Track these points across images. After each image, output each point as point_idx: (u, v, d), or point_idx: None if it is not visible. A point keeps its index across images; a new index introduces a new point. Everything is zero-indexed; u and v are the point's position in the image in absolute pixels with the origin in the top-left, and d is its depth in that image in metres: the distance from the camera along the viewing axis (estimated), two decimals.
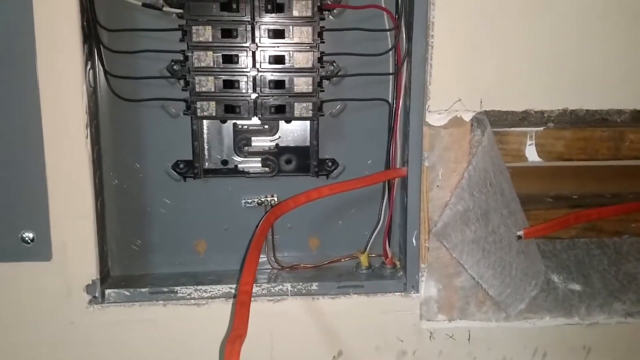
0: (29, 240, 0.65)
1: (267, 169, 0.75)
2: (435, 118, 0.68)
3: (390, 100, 0.76)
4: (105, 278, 0.71)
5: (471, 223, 0.66)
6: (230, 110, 0.69)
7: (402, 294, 0.74)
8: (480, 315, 0.75)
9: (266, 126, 0.74)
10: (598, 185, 0.81)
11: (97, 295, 0.68)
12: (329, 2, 0.70)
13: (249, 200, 0.77)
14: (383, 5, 0.72)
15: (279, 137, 0.75)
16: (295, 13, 0.68)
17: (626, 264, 0.81)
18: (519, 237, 0.68)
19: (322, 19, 0.69)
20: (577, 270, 0.78)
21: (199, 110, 0.68)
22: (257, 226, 0.73)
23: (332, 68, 0.73)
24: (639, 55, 0.70)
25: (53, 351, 0.69)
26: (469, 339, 0.75)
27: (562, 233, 0.78)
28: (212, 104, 0.68)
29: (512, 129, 0.71)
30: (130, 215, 0.75)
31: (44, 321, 0.68)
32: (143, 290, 0.70)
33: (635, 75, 0.71)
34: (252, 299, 0.69)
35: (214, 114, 0.69)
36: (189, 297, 0.70)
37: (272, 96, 0.70)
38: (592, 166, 0.77)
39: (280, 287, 0.72)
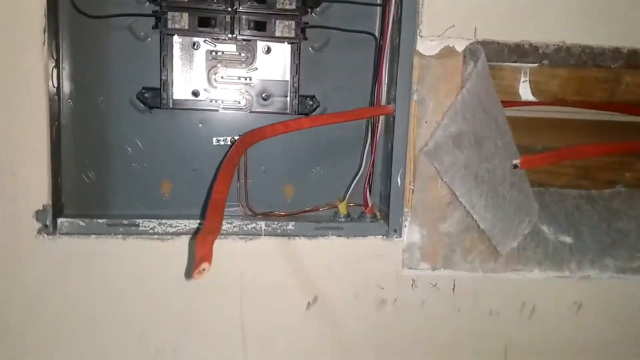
0: None
1: (242, 103, 0.69)
2: (427, 46, 0.64)
3: (376, 35, 0.71)
4: (58, 209, 0.63)
5: (464, 147, 0.62)
6: (204, 23, 0.63)
7: (384, 238, 0.68)
8: (466, 264, 0.70)
9: (242, 53, 0.68)
10: (588, 138, 0.77)
11: (47, 224, 0.61)
12: None
13: (220, 138, 0.71)
14: None
15: (256, 68, 0.69)
16: None
17: (617, 221, 0.77)
18: (515, 166, 0.64)
19: None
20: (568, 223, 0.74)
21: (169, 22, 0.62)
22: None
23: None
24: None
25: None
26: (453, 289, 0.70)
27: (555, 179, 0.74)
28: (185, 15, 0.62)
29: (507, 63, 0.67)
30: (89, 147, 0.68)
31: None
32: (100, 221, 0.62)
33: (635, 12, 0.67)
34: (222, 236, 0.63)
35: (186, 27, 0.63)
36: (151, 231, 0.63)
37: (253, 11, 0.64)
38: (581, 121, 0.73)
39: (254, 225, 0.66)
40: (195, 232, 0.65)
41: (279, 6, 0.64)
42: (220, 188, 0.50)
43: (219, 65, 0.68)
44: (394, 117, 0.67)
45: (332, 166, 0.75)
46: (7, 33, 0.58)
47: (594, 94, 0.70)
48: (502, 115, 0.64)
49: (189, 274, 0.62)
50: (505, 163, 0.63)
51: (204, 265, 0.41)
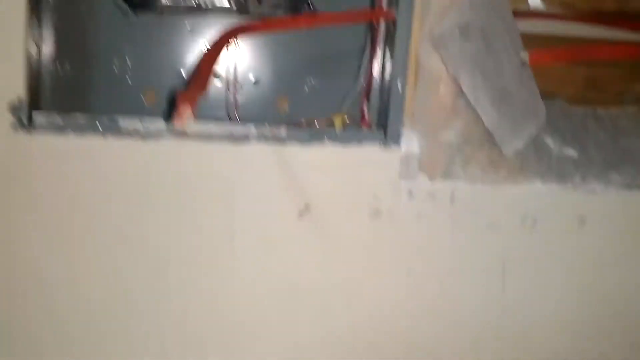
0: None
1: (234, 5, 0.66)
2: None
3: None
4: (35, 103, 0.60)
5: (472, 38, 0.58)
6: None
7: (381, 146, 0.65)
8: (465, 175, 0.67)
9: None
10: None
11: (23, 119, 0.57)
12: None
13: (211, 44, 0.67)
14: None
15: None
16: None
17: (623, 139, 0.74)
18: (524, 62, 0.60)
19: None
20: (573, 137, 0.71)
21: None
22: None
23: None
24: None
25: None
26: (451, 201, 0.67)
27: (565, 89, 0.70)
28: None
29: None
30: (70, 48, 0.65)
31: None
32: (80, 119, 0.59)
33: None
34: (211, 140, 0.60)
35: None
36: (134, 131, 0.60)
37: None
38: (590, 38, 0.69)
39: (244, 130, 0.63)
40: (179, 135, 0.61)
41: None
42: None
43: None
44: (394, 21, 0.63)
45: (328, 78, 0.72)
46: None
47: (604, 2, 0.65)
48: (509, 12, 0.60)
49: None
50: (514, 59, 0.60)
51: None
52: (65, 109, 0.64)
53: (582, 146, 0.71)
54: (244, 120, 0.69)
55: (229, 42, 0.57)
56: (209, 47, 0.51)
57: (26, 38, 0.56)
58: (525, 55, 0.60)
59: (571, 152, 0.70)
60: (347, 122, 0.71)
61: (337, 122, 0.71)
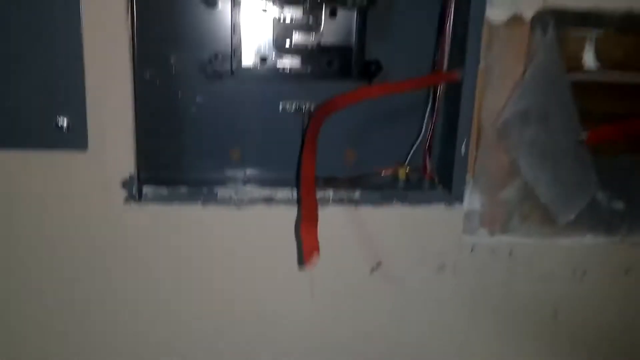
0: (64, 127, 0.61)
1: (307, 68, 0.71)
2: (495, 13, 0.64)
3: None
4: (142, 175, 0.67)
5: (531, 123, 0.63)
6: None
7: (446, 205, 0.71)
8: (522, 230, 0.73)
9: (311, 18, 0.69)
10: None
11: (134, 192, 0.64)
12: None
13: (287, 106, 0.73)
14: None
15: (322, 34, 0.71)
16: None
17: None
18: (581, 141, 0.66)
19: None
20: (621, 189, 0.76)
21: None
22: (305, 128, 0.69)
23: None
24: None
25: (88, 247, 0.66)
26: (510, 255, 0.73)
27: (608, 149, 0.75)
28: None
29: (572, 31, 0.67)
30: (160, 113, 0.71)
31: (79, 216, 0.64)
32: (182, 190, 0.66)
33: None
34: (292, 205, 0.66)
35: None
36: (229, 199, 0.67)
37: None
38: None
39: (322, 194, 0.69)
40: (269, 200, 0.68)
41: None
42: (308, 168, 0.53)
43: (285, 31, 0.70)
44: (459, 84, 0.69)
45: (392, 130, 0.77)
46: (95, 17, 0.59)
47: None
48: (568, 88, 0.65)
49: (300, 261, 0.66)
50: (571, 137, 0.65)
51: (314, 257, 0.44)
52: (165, 174, 0.71)
53: (630, 198, 0.77)
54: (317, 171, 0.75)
55: (318, 132, 0.63)
56: (305, 148, 0.57)
57: (135, 128, 0.63)
58: (583, 135, 0.65)
59: (619, 205, 0.76)
60: (410, 173, 0.77)
61: (401, 173, 0.77)
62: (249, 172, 0.75)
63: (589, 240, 0.75)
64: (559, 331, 0.76)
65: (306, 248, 0.46)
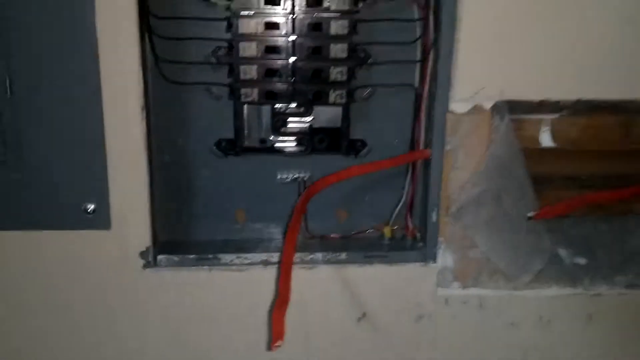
0: (91, 211, 0.73)
1: (301, 147, 0.82)
2: (458, 106, 0.74)
3: (416, 86, 0.82)
4: (157, 245, 0.78)
5: (485, 205, 0.73)
6: (270, 96, 0.76)
7: (422, 264, 0.81)
8: (491, 284, 0.83)
9: (302, 108, 0.80)
10: (607, 167, 0.87)
11: (150, 260, 0.76)
12: None
13: (284, 177, 0.85)
14: None
15: (313, 118, 0.82)
16: (333, 6, 0.73)
17: (630, 240, 0.87)
18: (530, 218, 0.75)
19: (357, 12, 0.75)
20: (583, 245, 0.85)
21: (243, 96, 0.75)
22: (294, 202, 0.80)
23: (363, 55, 0.79)
24: None
25: (111, 310, 0.78)
26: (480, 305, 0.83)
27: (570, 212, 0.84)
28: (255, 90, 0.75)
29: (529, 116, 0.77)
30: (176, 188, 0.83)
31: (104, 283, 0.76)
32: (190, 256, 0.78)
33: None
34: None
35: (256, 100, 0.75)
36: (231, 263, 0.79)
37: (310, 83, 0.76)
38: (602, 150, 0.82)
39: (313, 256, 0.80)
40: (265, 263, 0.79)
41: (331, 79, 0.75)
42: (288, 252, 0.64)
43: (281, 118, 0.81)
44: (429, 162, 0.79)
45: (379, 194, 0.88)
46: (115, 108, 0.71)
47: (609, 139, 0.79)
48: (522, 169, 0.75)
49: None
50: (522, 214, 0.75)
51: (279, 342, 0.55)
52: (175, 235, 0.83)
53: (591, 252, 0.86)
54: (311, 228, 0.86)
55: (302, 214, 0.74)
56: (288, 231, 0.68)
57: (150, 207, 0.75)
58: (531, 214, 0.75)
59: (581, 260, 0.85)
60: (395, 231, 0.88)
61: (387, 231, 0.87)
62: (251, 233, 0.86)
63: (553, 291, 0.84)
64: None
65: (274, 334, 0.56)
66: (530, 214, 0.75)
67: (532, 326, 0.84)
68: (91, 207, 0.73)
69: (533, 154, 0.79)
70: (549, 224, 0.85)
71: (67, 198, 0.72)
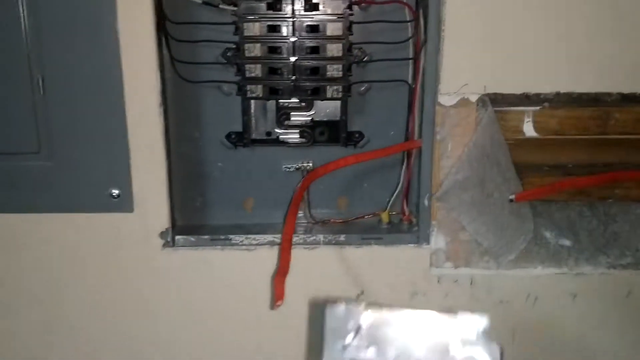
0: (116, 196, 0.82)
1: (303, 139, 0.90)
2: (445, 99, 0.81)
3: (409, 82, 0.89)
4: (174, 227, 0.87)
5: (468, 189, 0.80)
6: (274, 92, 0.84)
7: (416, 245, 0.89)
8: (481, 263, 0.89)
9: (303, 104, 0.88)
10: (591, 155, 0.93)
11: (169, 240, 0.85)
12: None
13: (289, 166, 0.93)
14: (404, 0, 0.85)
15: (314, 112, 0.89)
16: (329, 10, 0.81)
17: (613, 224, 0.93)
18: (511, 200, 0.82)
19: (351, 14, 0.82)
20: (568, 228, 0.91)
21: (249, 92, 0.83)
22: (295, 188, 0.88)
23: (360, 54, 0.86)
24: (626, 44, 0.81)
25: (133, 286, 0.86)
26: (471, 284, 0.90)
27: (555, 197, 0.91)
28: (260, 87, 0.83)
29: (512, 108, 0.83)
30: (191, 176, 0.91)
31: (127, 261, 0.85)
32: (205, 237, 0.86)
33: (621, 61, 0.82)
34: (293, 247, 0.85)
35: (260, 95, 0.84)
36: (241, 243, 0.87)
37: (309, 80, 0.84)
38: (585, 139, 0.88)
39: (314, 237, 0.88)
40: (272, 243, 0.87)
41: (328, 75, 0.83)
42: (288, 230, 0.72)
43: (285, 112, 0.89)
44: (420, 149, 0.86)
45: (377, 182, 0.95)
46: (136, 104, 0.80)
47: (588, 128, 0.85)
48: (504, 156, 0.82)
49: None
50: (504, 197, 0.82)
51: (280, 302, 0.63)
52: (190, 220, 0.92)
53: (576, 234, 0.92)
54: (314, 214, 0.94)
55: (302, 196, 0.82)
56: (289, 210, 0.76)
57: (168, 192, 0.83)
58: (512, 196, 0.82)
59: (566, 242, 0.91)
60: (392, 216, 0.95)
61: (384, 217, 0.95)
62: (259, 218, 0.94)
63: (539, 271, 0.90)
64: (517, 350, 0.92)
65: (276, 295, 0.65)
66: (511, 197, 0.82)
67: (520, 304, 0.91)
68: (116, 192, 0.81)
69: (518, 143, 0.86)
70: (535, 209, 0.92)
71: (94, 184, 0.81)
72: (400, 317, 0.56)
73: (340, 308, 0.55)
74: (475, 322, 0.39)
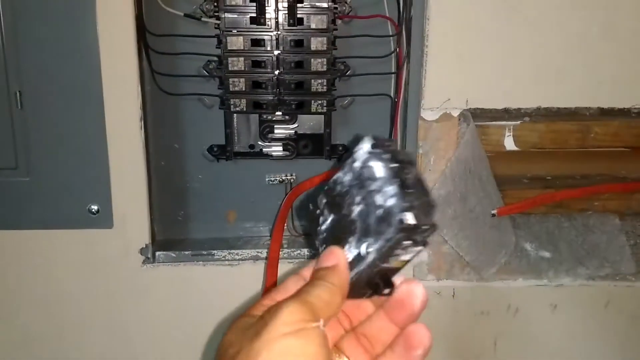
0: (95, 212, 0.80)
1: (287, 152, 0.90)
2: (428, 114, 0.82)
3: (392, 95, 0.89)
4: (155, 242, 0.86)
5: (451, 204, 0.81)
6: (257, 106, 0.83)
7: None
8: (463, 276, 0.90)
9: (287, 117, 0.88)
10: (569, 167, 0.95)
11: (149, 256, 0.83)
12: (342, 15, 0.83)
13: (272, 179, 0.92)
14: (387, 15, 0.85)
15: (297, 125, 0.89)
16: (313, 25, 0.81)
17: (591, 235, 0.95)
18: (493, 214, 0.83)
19: (335, 29, 0.82)
20: (548, 240, 0.93)
21: (232, 106, 0.82)
22: (281, 203, 0.88)
23: (343, 68, 0.86)
24: (605, 60, 0.82)
25: (113, 303, 0.85)
26: (453, 296, 0.90)
27: (535, 209, 0.92)
28: (243, 100, 0.82)
29: (493, 122, 0.84)
30: (173, 190, 0.90)
31: (107, 277, 0.84)
32: (186, 252, 0.85)
33: (600, 76, 0.83)
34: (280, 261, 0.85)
35: (244, 109, 0.83)
36: (223, 259, 0.86)
37: (293, 94, 0.83)
38: (564, 152, 0.90)
39: (299, 252, 0.87)
40: (255, 258, 0.86)
41: (313, 89, 0.83)
42: (275, 247, 0.72)
43: (268, 125, 0.88)
44: None
45: None
46: (116, 117, 0.79)
47: (567, 142, 0.87)
48: (486, 171, 0.82)
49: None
50: (486, 211, 0.82)
51: None
52: (171, 234, 0.90)
53: (555, 246, 0.93)
54: (297, 227, 0.94)
55: (287, 212, 0.82)
56: (275, 228, 0.75)
57: (149, 208, 0.82)
58: (494, 211, 0.82)
59: (545, 254, 0.93)
60: None
61: None
62: (242, 231, 0.93)
63: (520, 282, 0.91)
64: (499, 358, 0.93)
65: None
66: (493, 211, 0.82)
67: (501, 315, 0.92)
68: (95, 207, 0.80)
69: (499, 157, 0.87)
70: (515, 221, 0.93)
71: (73, 199, 0.80)
72: None
73: None
74: None
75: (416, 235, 0.37)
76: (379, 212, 0.37)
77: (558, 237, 0.93)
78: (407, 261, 0.39)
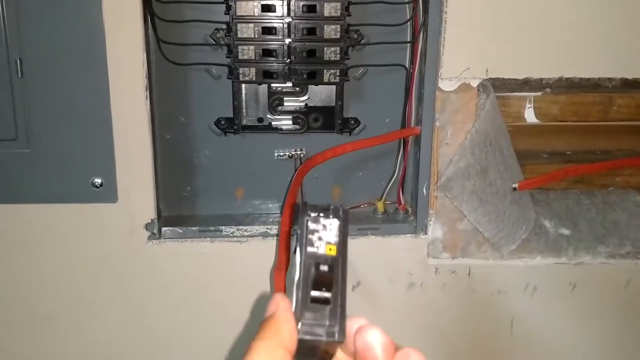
0: (98, 185, 0.77)
1: (297, 126, 0.86)
2: (446, 84, 0.78)
3: (407, 66, 0.85)
4: (160, 218, 0.83)
5: (471, 177, 0.77)
6: (267, 75, 0.80)
7: (413, 235, 0.86)
8: (479, 254, 0.87)
9: (297, 88, 0.84)
10: (589, 142, 0.92)
11: (155, 232, 0.80)
12: None
13: (281, 154, 0.88)
14: None
15: (308, 97, 0.86)
16: None
17: (612, 213, 0.92)
18: (514, 189, 0.79)
19: None
20: (567, 217, 0.90)
21: (241, 76, 0.79)
22: (291, 178, 0.84)
23: (356, 36, 0.82)
24: (628, 29, 0.79)
25: (118, 280, 0.82)
26: (469, 274, 0.88)
27: (555, 185, 0.89)
28: (253, 69, 0.79)
29: (514, 93, 0.81)
30: (178, 164, 0.87)
31: (111, 254, 0.81)
32: (194, 228, 0.82)
33: (623, 46, 0.80)
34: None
35: (253, 79, 0.79)
36: (232, 235, 0.83)
37: (305, 63, 0.80)
38: (585, 125, 0.87)
39: None
40: (264, 235, 0.83)
41: (325, 58, 0.79)
42: (285, 221, 0.69)
43: (278, 97, 0.85)
44: (419, 139, 0.83)
45: (372, 170, 0.92)
46: (121, 87, 0.75)
47: (590, 114, 0.83)
48: (507, 143, 0.79)
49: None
50: (507, 186, 0.79)
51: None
52: (177, 210, 0.87)
53: (575, 223, 0.90)
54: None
55: (299, 186, 0.78)
56: (286, 202, 0.72)
57: (154, 181, 0.79)
58: (515, 185, 0.79)
59: (565, 231, 0.89)
60: (387, 206, 0.92)
61: (379, 206, 0.92)
62: (250, 208, 0.90)
63: (538, 260, 0.88)
64: (516, 338, 0.90)
65: (275, 290, 0.61)
66: (514, 185, 0.79)
67: (519, 294, 0.89)
68: (99, 181, 0.77)
69: (517, 130, 0.83)
70: (534, 197, 0.90)
71: (75, 172, 0.77)
72: None
73: None
74: None
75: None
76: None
77: (578, 214, 0.90)
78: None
